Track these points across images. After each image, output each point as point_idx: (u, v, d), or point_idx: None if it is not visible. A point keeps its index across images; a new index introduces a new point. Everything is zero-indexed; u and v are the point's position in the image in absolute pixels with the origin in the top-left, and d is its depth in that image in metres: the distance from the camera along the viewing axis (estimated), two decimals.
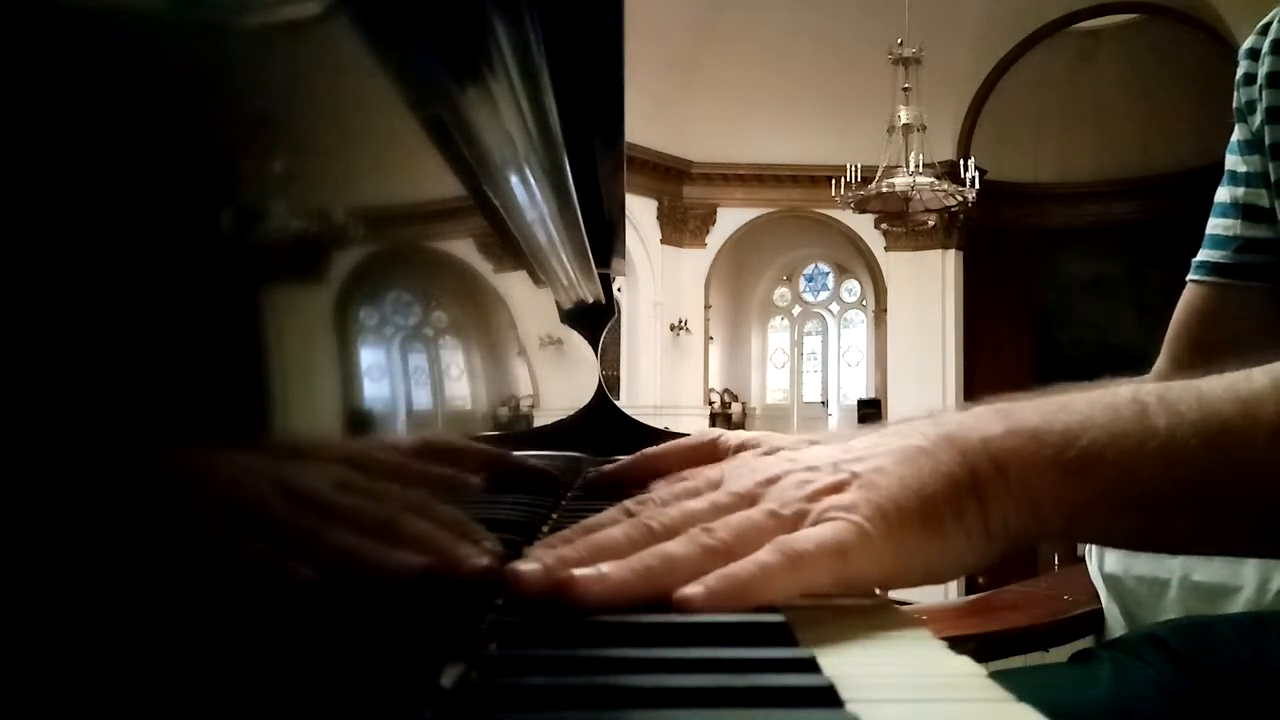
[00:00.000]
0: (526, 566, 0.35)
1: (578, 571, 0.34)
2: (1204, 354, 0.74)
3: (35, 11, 0.14)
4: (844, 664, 0.29)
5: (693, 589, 0.34)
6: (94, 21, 0.17)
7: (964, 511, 0.38)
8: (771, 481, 0.41)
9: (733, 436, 0.69)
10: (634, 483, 0.68)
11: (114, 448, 0.16)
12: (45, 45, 0.15)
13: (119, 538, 0.15)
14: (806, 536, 0.36)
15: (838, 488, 0.39)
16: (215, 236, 0.21)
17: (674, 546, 0.36)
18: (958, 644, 0.33)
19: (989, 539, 0.39)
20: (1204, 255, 0.75)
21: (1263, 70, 0.70)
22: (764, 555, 0.36)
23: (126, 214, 0.17)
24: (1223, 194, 0.75)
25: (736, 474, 0.43)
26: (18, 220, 0.14)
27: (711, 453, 0.69)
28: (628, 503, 0.42)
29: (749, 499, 0.40)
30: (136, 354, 0.17)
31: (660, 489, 0.45)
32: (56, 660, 0.14)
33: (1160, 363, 0.77)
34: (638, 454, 0.75)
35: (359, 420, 0.30)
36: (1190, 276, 0.75)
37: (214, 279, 0.20)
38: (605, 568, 0.35)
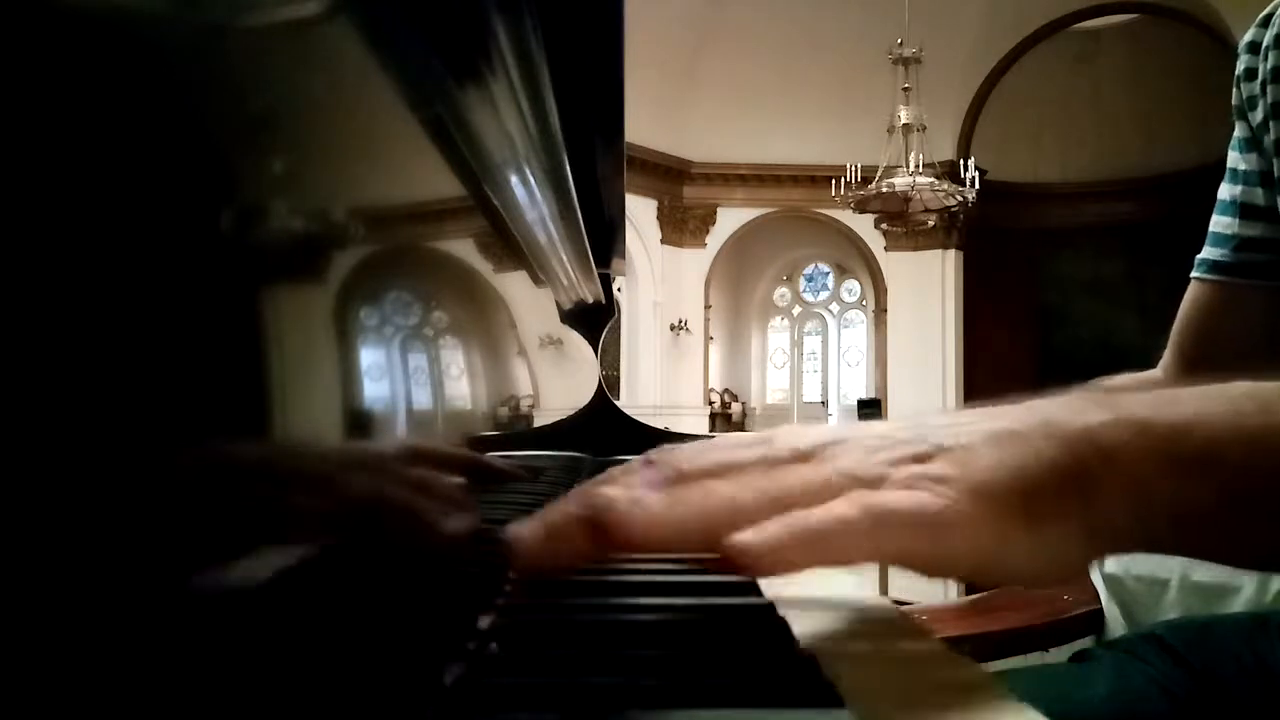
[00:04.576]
0: (528, 527, 0.30)
1: (619, 501, 0.28)
2: (1210, 350, 0.74)
3: (35, 11, 0.14)
4: None
5: (749, 534, 0.28)
6: (94, 21, 0.17)
7: (1067, 507, 0.33)
8: (835, 444, 0.34)
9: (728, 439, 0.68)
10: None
11: (111, 447, 0.16)
12: (45, 45, 0.15)
13: (118, 537, 0.15)
14: (892, 497, 0.31)
15: (923, 458, 0.33)
16: (215, 236, 0.21)
17: (734, 488, 0.30)
18: (958, 644, 0.33)
19: (1090, 541, 0.33)
20: (1206, 253, 0.75)
21: (1266, 66, 0.69)
22: (842, 506, 0.30)
23: (125, 214, 0.17)
24: (1224, 192, 0.75)
25: (788, 434, 0.36)
26: (18, 220, 0.14)
27: None
28: (650, 453, 0.35)
29: (812, 456, 0.34)
30: (136, 354, 0.17)
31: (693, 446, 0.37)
32: (55, 659, 0.14)
33: (1166, 358, 0.77)
34: (644, 457, 0.74)
35: (359, 420, 0.30)
36: (1193, 274, 0.76)
37: (213, 279, 0.20)
38: (652, 499, 0.29)
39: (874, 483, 0.32)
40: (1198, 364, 0.74)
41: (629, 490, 0.31)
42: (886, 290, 9.33)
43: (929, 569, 0.32)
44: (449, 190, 0.48)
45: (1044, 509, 0.32)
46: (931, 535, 0.30)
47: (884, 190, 7.19)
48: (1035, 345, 9.14)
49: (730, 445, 0.35)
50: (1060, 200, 9.15)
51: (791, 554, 0.28)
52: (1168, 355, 0.77)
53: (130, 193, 0.17)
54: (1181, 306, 0.76)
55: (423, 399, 0.38)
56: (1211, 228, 0.75)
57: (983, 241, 8.95)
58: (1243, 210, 0.73)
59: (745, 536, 0.28)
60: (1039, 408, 0.35)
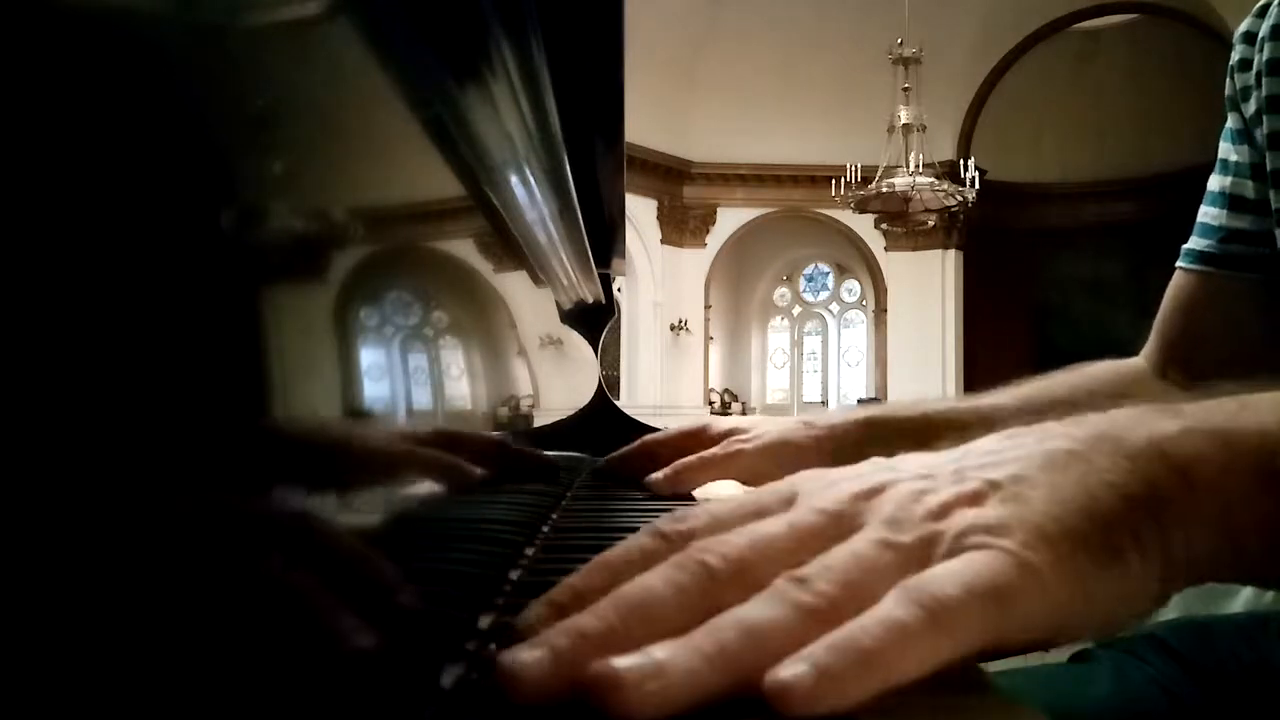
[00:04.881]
0: (528, 657, 0.24)
1: (621, 664, 0.23)
2: (1194, 341, 0.74)
3: (35, 11, 0.14)
4: None
5: (794, 670, 0.23)
6: (93, 21, 0.17)
7: (1141, 533, 0.28)
8: (873, 494, 0.30)
9: (720, 422, 0.67)
10: (634, 472, 0.69)
11: (111, 447, 0.16)
12: (45, 44, 0.15)
13: (117, 537, 0.15)
14: (949, 577, 0.25)
15: (973, 500, 0.28)
16: (215, 236, 0.21)
17: (755, 610, 0.25)
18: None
19: (1168, 569, 0.28)
20: (1193, 243, 0.74)
21: (1261, 57, 0.68)
22: (892, 609, 0.25)
23: (125, 213, 0.17)
24: (1213, 183, 0.74)
25: (815, 485, 0.31)
26: (18, 219, 0.14)
27: (700, 441, 0.70)
28: (661, 522, 0.30)
29: (844, 519, 0.29)
30: (137, 354, 0.17)
31: (705, 508, 0.32)
32: (53, 659, 0.14)
33: (1149, 347, 0.77)
34: (639, 441, 0.73)
35: (359, 420, 0.30)
36: (1179, 263, 0.75)
37: (213, 279, 0.20)
38: (660, 654, 0.23)
39: (924, 547, 0.27)
40: (1181, 354, 0.74)
41: (631, 622, 0.25)
42: (886, 290, 9.34)
43: (1006, 644, 0.26)
44: (449, 190, 0.48)
45: (1117, 542, 0.28)
46: (1001, 610, 0.25)
47: (884, 190, 7.20)
48: (1035, 345, 9.13)
49: (759, 509, 0.31)
50: (1060, 200, 9.16)
51: (850, 687, 0.23)
52: (1151, 344, 0.77)
53: (130, 192, 0.17)
54: (1166, 295, 0.76)
55: (423, 399, 0.38)
56: (1199, 218, 0.75)
57: (983, 241, 8.96)
58: (1231, 202, 0.72)
59: (786, 677, 0.23)
60: (1095, 421, 0.31)
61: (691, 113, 8.80)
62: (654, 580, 0.27)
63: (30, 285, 0.14)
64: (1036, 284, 9.26)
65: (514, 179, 0.59)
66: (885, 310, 9.38)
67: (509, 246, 0.65)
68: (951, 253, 9.05)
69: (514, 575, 0.40)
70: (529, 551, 0.46)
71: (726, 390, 10.02)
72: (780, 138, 8.92)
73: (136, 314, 0.17)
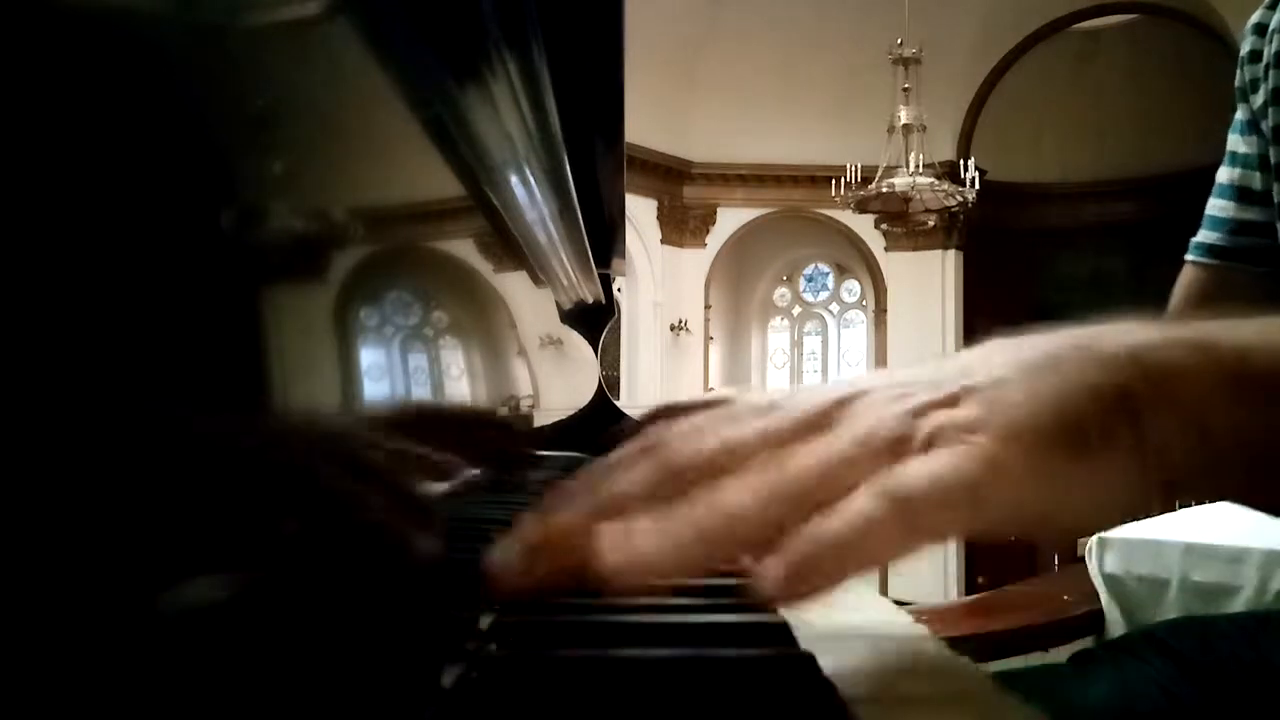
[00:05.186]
0: (506, 548, 0.26)
1: (601, 535, 0.25)
2: None
3: (35, 11, 0.14)
4: None
5: (768, 566, 0.24)
6: (94, 21, 0.17)
7: (1114, 434, 0.28)
8: (849, 400, 0.30)
9: (750, 397, 0.61)
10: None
11: (111, 447, 0.16)
12: (45, 44, 0.15)
13: (117, 537, 0.15)
14: (919, 471, 0.26)
15: (949, 402, 0.29)
16: (215, 237, 0.21)
17: (727, 493, 0.26)
18: (958, 644, 0.33)
19: (1146, 472, 0.29)
20: (1201, 236, 0.74)
21: (1271, 49, 0.68)
22: (862, 503, 0.26)
23: (125, 214, 0.17)
24: (1222, 175, 0.74)
25: (794, 397, 0.31)
26: (18, 219, 0.14)
27: None
28: (640, 438, 0.31)
29: (817, 424, 0.29)
30: (137, 354, 0.17)
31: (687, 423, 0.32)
32: (53, 658, 0.14)
33: None
34: (657, 406, 0.65)
35: (359, 420, 0.30)
36: (1188, 256, 0.75)
37: (213, 279, 0.20)
38: (638, 527, 0.25)
39: (897, 445, 0.28)
40: None
41: (601, 511, 0.27)
42: (886, 290, 9.33)
43: (977, 532, 0.28)
44: (449, 190, 0.48)
45: (1088, 439, 0.28)
46: (969, 501, 0.26)
47: (884, 190, 7.19)
48: None
49: (733, 417, 0.31)
50: (1060, 200, 9.15)
51: (820, 578, 0.25)
52: None
53: (130, 193, 0.17)
54: (1175, 289, 0.76)
55: (423, 399, 0.38)
56: (1208, 210, 0.74)
57: (983, 241, 8.95)
58: (1240, 194, 0.72)
59: (765, 574, 0.24)
60: (1079, 332, 0.31)
61: (691, 113, 8.79)
62: (624, 476, 0.28)
63: (29, 285, 0.14)
64: (1036, 284, 9.25)
65: (514, 179, 0.59)
66: (885, 310, 9.38)
67: (509, 246, 0.65)
68: (951, 253, 9.04)
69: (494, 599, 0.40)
70: None
71: None
72: (780, 138, 8.91)
73: (136, 314, 0.17)
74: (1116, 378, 0.29)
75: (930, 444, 0.27)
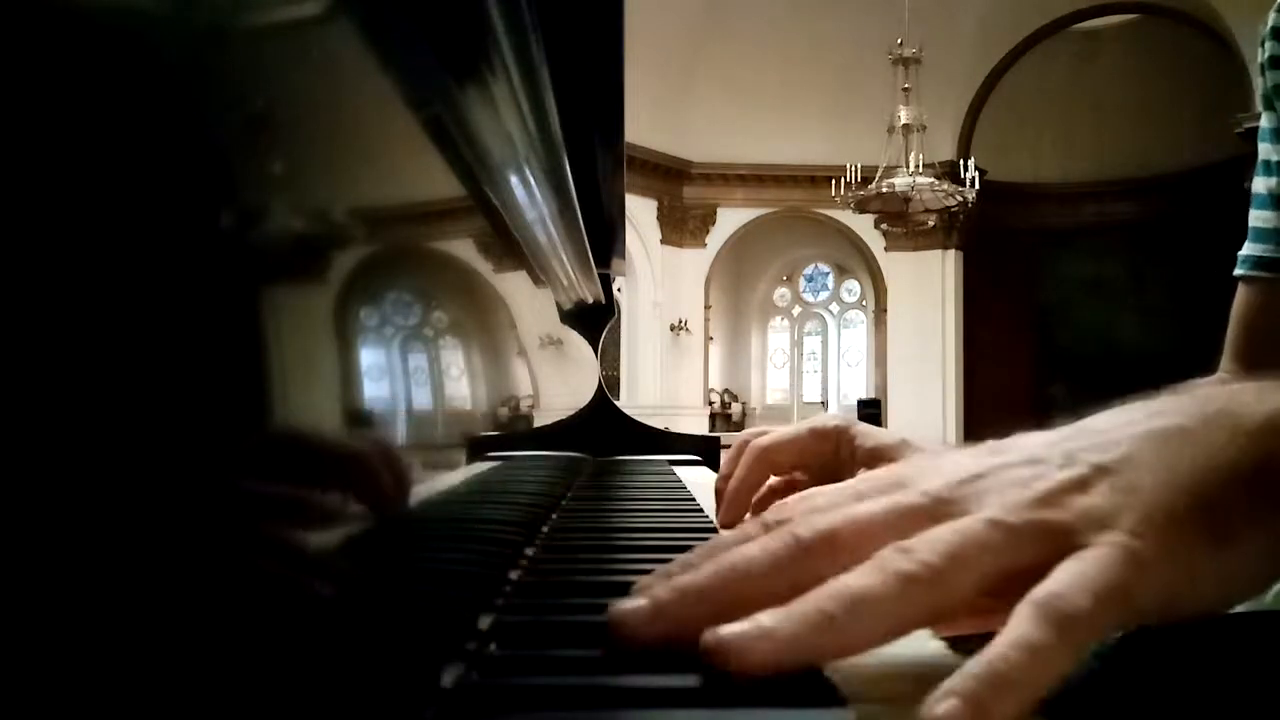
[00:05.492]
0: (631, 604, 0.26)
1: (729, 630, 0.24)
2: (1270, 349, 0.70)
3: (35, 11, 0.14)
4: None
5: (946, 705, 0.23)
6: (94, 21, 0.17)
7: (1258, 515, 0.27)
8: (978, 478, 0.29)
9: (865, 435, 0.54)
10: (751, 488, 0.55)
11: (111, 447, 0.16)
12: (45, 44, 0.15)
13: (117, 538, 0.15)
14: (1075, 586, 0.25)
15: (1082, 486, 0.27)
16: (215, 237, 0.21)
17: (857, 578, 0.25)
18: (958, 644, 0.33)
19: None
20: (1249, 249, 0.72)
21: None
22: (1024, 628, 0.25)
23: (125, 214, 0.17)
24: (1258, 185, 0.72)
25: (921, 471, 0.31)
26: (17, 219, 0.14)
27: (836, 450, 0.55)
28: (765, 514, 0.31)
29: (947, 502, 0.28)
30: (137, 354, 0.17)
31: (805, 494, 0.32)
32: (53, 658, 0.14)
33: (1225, 363, 0.73)
34: (740, 442, 0.56)
35: (359, 420, 0.30)
36: (1238, 270, 0.72)
37: (213, 280, 0.20)
38: (766, 619, 0.25)
39: (1032, 535, 0.27)
40: (1258, 365, 0.70)
41: (729, 582, 0.27)
42: (886, 290, 9.34)
43: (1122, 627, 0.27)
44: (449, 190, 0.48)
45: (1232, 522, 0.27)
46: (1122, 603, 0.25)
47: (884, 190, 7.20)
48: (1035, 345, 9.15)
49: (859, 494, 0.30)
50: (1060, 200, 9.16)
51: (996, 713, 0.23)
52: (1226, 360, 0.73)
53: (130, 193, 0.17)
54: (1234, 309, 0.73)
55: (423, 399, 0.38)
56: (1251, 223, 0.72)
57: (983, 241, 8.96)
58: (1278, 202, 0.71)
59: (940, 712, 0.23)
60: (1211, 395, 0.30)
61: (691, 113, 8.80)
62: (750, 548, 0.28)
63: (29, 285, 0.14)
64: (1036, 284, 9.26)
65: (514, 179, 0.59)
66: (885, 310, 9.39)
67: (509, 246, 0.65)
68: (951, 253, 9.05)
69: (514, 575, 0.40)
70: (529, 551, 0.46)
71: (726, 390, 10.02)
72: (780, 138, 8.92)
73: (136, 314, 0.17)
74: (1256, 452, 0.28)
75: (1068, 544, 0.26)
